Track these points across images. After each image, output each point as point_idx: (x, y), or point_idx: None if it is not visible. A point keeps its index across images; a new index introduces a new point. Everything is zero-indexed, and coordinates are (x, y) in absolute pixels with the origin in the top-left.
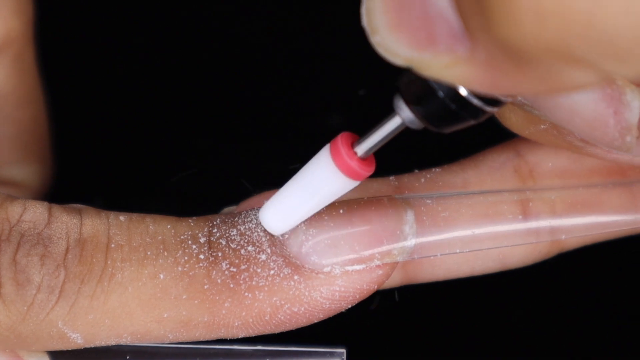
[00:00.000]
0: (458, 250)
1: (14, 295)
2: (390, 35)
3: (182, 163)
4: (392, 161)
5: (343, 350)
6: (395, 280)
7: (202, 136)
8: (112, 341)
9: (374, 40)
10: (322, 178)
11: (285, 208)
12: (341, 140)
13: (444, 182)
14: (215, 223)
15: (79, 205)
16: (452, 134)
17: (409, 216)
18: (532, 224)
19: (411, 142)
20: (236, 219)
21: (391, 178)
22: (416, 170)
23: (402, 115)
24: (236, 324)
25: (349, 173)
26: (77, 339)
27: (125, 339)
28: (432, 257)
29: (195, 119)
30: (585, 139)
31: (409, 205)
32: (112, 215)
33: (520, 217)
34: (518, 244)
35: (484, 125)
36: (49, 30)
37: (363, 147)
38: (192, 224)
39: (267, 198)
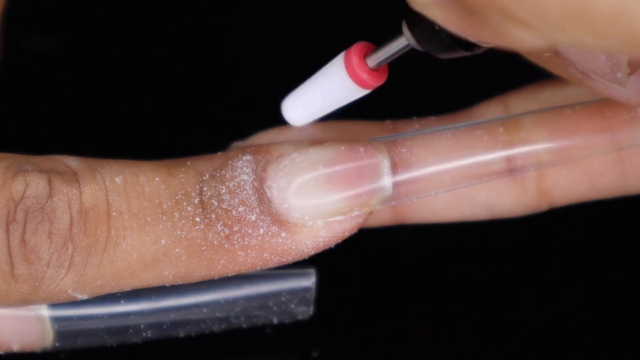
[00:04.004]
0: (433, 193)
1: (26, 274)
2: None
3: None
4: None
5: (312, 270)
6: (384, 219)
7: (201, 135)
8: (114, 292)
9: None
10: (335, 83)
11: (303, 104)
12: (354, 50)
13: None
14: (204, 179)
15: (72, 164)
16: (454, 91)
17: (385, 165)
18: (510, 152)
19: (413, 94)
20: (224, 172)
21: (388, 121)
22: (414, 117)
23: (406, 37)
24: (230, 274)
25: (358, 82)
26: (83, 297)
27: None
28: (417, 200)
29: (193, 118)
30: (583, 71)
31: (384, 153)
32: (107, 177)
33: (499, 151)
34: (498, 177)
35: (482, 82)
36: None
37: (373, 59)
38: (183, 180)
39: (271, 135)
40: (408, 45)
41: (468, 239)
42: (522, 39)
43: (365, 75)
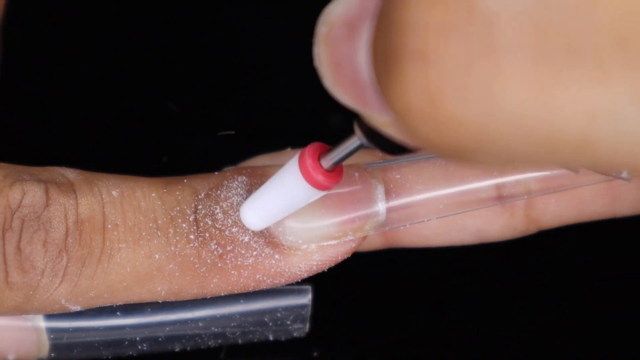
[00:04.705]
0: (427, 219)
1: (20, 282)
2: (332, 86)
3: (178, 161)
4: None
5: (308, 287)
6: (375, 244)
7: (200, 135)
8: (107, 305)
9: (324, 83)
10: (291, 186)
11: (261, 209)
12: (308, 152)
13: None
14: (199, 197)
15: (69, 175)
16: None
17: (380, 191)
18: (500, 180)
19: None
20: (219, 192)
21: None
22: None
23: (359, 137)
24: (222, 294)
25: (314, 184)
26: (76, 309)
27: (119, 303)
28: (408, 226)
29: (193, 118)
30: None
31: (379, 179)
32: (104, 190)
33: (493, 179)
34: (492, 204)
35: None
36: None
37: (328, 160)
38: (179, 197)
39: (264, 160)
40: (361, 145)
41: (460, 251)
42: (486, 166)
43: (320, 178)
